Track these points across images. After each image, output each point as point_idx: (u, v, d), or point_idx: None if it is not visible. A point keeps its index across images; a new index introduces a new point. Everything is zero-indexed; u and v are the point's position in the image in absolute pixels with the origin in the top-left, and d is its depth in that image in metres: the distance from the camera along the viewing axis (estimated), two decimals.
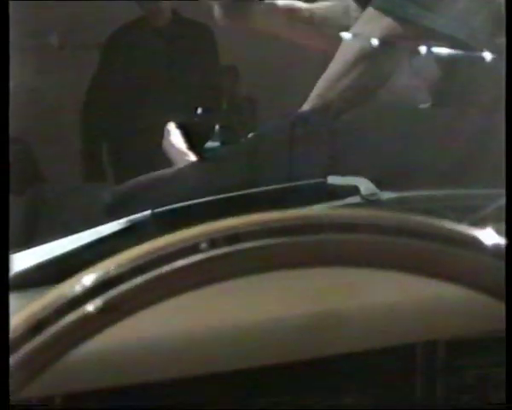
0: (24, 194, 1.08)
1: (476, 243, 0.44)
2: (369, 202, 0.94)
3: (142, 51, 2.63)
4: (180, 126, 1.47)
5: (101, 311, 0.41)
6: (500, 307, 0.46)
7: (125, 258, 0.42)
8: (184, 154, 1.45)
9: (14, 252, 0.92)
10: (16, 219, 1.00)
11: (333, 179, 0.95)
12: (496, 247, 0.45)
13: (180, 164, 1.40)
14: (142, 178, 1.10)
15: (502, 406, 0.47)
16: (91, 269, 0.42)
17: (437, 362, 0.72)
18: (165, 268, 0.41)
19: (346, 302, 0.71)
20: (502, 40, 0.95)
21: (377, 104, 1.21)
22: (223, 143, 1.82)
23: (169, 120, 1.49)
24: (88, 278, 0.42)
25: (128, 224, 0.92)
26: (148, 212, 0.93)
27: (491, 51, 1.02)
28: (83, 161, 2.76)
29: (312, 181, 0.96)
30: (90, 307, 0.41)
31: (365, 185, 0.95)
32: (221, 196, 0.95)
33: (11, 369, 0.41)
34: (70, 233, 0.94)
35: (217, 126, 1.47)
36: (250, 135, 1.12)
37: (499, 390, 0.75)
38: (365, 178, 0.97)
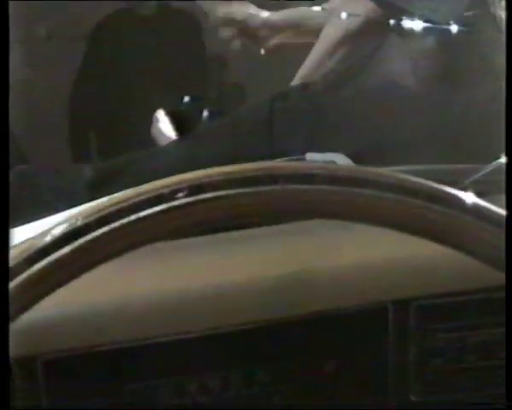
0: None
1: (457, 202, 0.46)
2: None
3: (128, 40, 2.64)
4: (168, 114, 1.49)
5: (69, 257, 0.43)
6: (476, 266, 0.48)
7: (92, 209, 0.43)
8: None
9: None
10: None
11: (311, 156, 0.97)
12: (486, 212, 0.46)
13: None
14: (126, 155, 1.12)
15: (502, 406, 0.48)
16: (61, 220, 0.44)
17: (409, 325, 0.74)
18: (131, 217, 0.43)
19: (317, 263, 0.73)
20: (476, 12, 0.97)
21: (359, 84, 1.23)
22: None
23: (157, 109, 1.50)
24: (58, 229, 0.44)
25: None
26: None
27: (469, 27, 1.04)
28: (71, 150, 2.77)
29: (291, 158, 0.98)
30: (59, 254, 0.43)
31: (343, 161, 0.97)
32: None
33: None
34: (53, 213, 0.95)
35: (205, 112, 1.48)
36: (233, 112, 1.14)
37: (470, 354, 0.77)
38: (343, 154, 0.98)
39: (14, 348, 0.68)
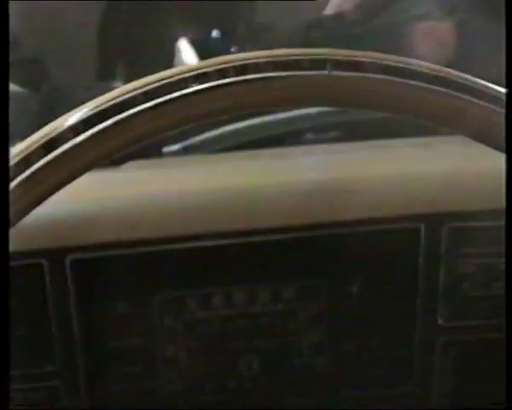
0: (39, 90, 1.09)
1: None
2: None
3: None
4: (193, 44, 1.47)
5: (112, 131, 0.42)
6: None
7: (139, 83, 0.43)
8: None
9: None
10: (32, 113, 1.02)
11: None
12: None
13: None
14: None
15: (502, 406, 0.47)
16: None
17: (440, 247, 0.74)
18: (174, 94, 0.42)
19: (353, 173, 0.72)
20: None
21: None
22: None
23: (181, 37, 1.49)
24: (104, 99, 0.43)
25: None
26: None
27: None
28: (98, 78, 2.76)
29: None
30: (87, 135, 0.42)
31: None
32: None
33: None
34: None
35: (232, 49, 1.46)
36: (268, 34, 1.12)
37: (499, 281, 0.77)
38: None
39: (45, 240, 0.69)
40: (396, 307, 0.76)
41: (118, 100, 0.43)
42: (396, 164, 0.75)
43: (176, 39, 1.52)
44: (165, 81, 0.43)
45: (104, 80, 2.95)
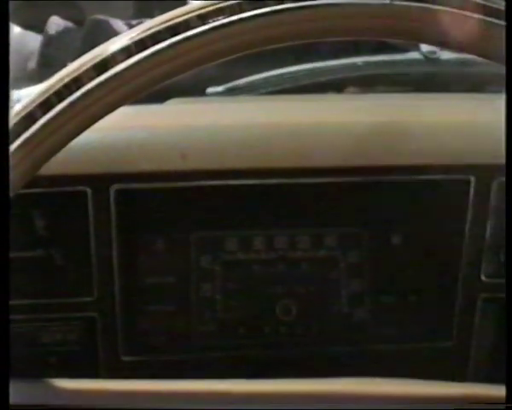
0: (82, 24, 1.08)
1: None
2: (428, 59, 0.92)
3: None
4: None
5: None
6: None
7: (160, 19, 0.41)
8: None
9: None
10: (75, 48, 1.00)
11: None
12: None
13: None
14: None
15: (502, 406, 0.46)
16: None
17: (490, 202, 0.71)
18: (231, 18, 0.41)
19: (408, 117, 0.70)
20: None
21: None
22: None
23: None
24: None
25: None
26: None
27: None
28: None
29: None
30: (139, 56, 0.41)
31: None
32: None
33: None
34: None
35: None
36: None
37: None
38: None
39: (91, 166, 0.67)
40: (439, 262, 0.74)
41: (171, 23, 0.42)
42: (450, 113, 0.73)
43: None
44: (218, 6, 0.41)
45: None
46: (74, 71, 0.41)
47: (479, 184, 0.71)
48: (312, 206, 0.72)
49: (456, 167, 0.69)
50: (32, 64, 1.00)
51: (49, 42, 1.03)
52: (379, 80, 0.93)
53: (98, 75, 0.41)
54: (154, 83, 0.42)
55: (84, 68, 0.41)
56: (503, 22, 0.42)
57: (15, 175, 0.40)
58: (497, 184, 0.71)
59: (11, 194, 0.40)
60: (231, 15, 0.41)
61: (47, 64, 1.01)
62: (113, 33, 1.04)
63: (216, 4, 0.41)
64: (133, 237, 0.70)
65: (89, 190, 0.67)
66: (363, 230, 0.74)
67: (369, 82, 0.92)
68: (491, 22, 0.43)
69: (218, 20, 0.41)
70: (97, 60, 0.41)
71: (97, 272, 0.69)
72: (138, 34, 0.41)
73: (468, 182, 0.71)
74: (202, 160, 0.68)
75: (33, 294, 0.68)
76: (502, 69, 0.43)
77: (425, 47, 0.93)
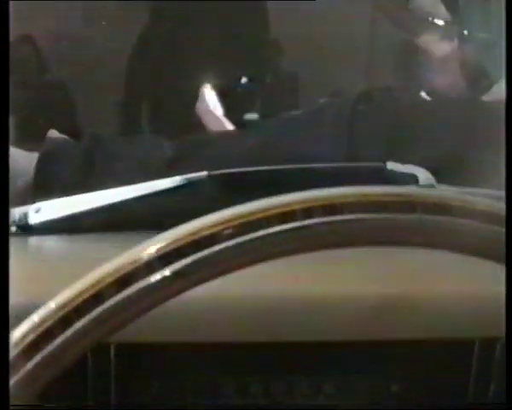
0: (79, 138, 1.08)
1: None
2: None
3: (189, 14, 2.61)
4: (219, 92, 1.46)
5: (174, 277, 0.40)
6: None
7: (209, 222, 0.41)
8: (220, 120, 1.44)
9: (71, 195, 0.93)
10: (73, 164, 1.00)
11: (392, 166, 0.94)
12: None
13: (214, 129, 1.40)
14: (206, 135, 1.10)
15: (502, 406, 0.46)
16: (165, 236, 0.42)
17: (494, 361, 0.71)
18: (259, 232, 0.41)
19: (419, 288, 0.70)
20: None
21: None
22: (262, 116, 1.81)
23: (207, 84, 1.48)
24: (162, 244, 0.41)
25: (184, 182, 0.92)
26: (204, 173, 0.92)
27: None
28: (122, 113, 2.76)
29: (372, 164, 0.95)
30: (163, 274, 0.40)
31: (423, 175, 0.94)
32: (280, 166, 0.94)
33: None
34: (125, 184, 0.94)
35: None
36: (312, 108, 1.11)
37: None
38: (421, 165, 0.95)
39: None
40: None
41: (196, 236, 0.41)
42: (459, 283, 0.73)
43: (201, 84, 1.50)
44: (246, 219, 0.41)
45: (128, 115, 2.97)
46: (94, 285, 0.40)
47: (483, 346, 0.70)
48: (311, 360, 0.72)
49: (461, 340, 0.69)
50: (22, 182, 1.00)
51: (46, 157, 1.03)
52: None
53: (119, 291, 0.41)
54: (175, 295, 0.42)
55: (105, 283, 0.40)
56: None
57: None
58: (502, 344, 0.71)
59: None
60: (260, 229, 0.41)
61: (43, 181, 1.01)
62: (112, 152, 1.04)
63: (243, 218, 0.42)
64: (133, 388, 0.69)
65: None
66: (364, 382, 0.73)
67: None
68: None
69: (246, 233, 0.41)
70: (119, 274, 0.41)
71: None
72: (163, 247, 0.41)
73: (473, 344, 0.70)
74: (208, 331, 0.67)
75: None
76: None
77: (422, 180, 0.94)
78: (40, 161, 1.01)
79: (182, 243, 0.41)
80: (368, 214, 0.42)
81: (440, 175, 0.94)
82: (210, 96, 1.45)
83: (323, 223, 0.41)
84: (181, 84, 2.70)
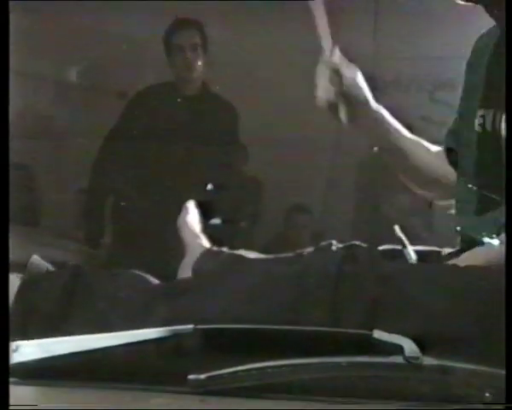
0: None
1: None
2: (411, 365, 0.92)
3: (166, 115, 2.63)
4: (198, 206, 1.46)
5: None
6: None
7: None
8: (197, 237, 1.43)
9: (47, 336, 0.91)
10: (53, 296, 0.98)
11: (378, 334, 0.94)
12: None
13: (191, 246, 1.39)
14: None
15: (502, 406, 0.44)
16: None
17: None
18: None
19: None
20: None
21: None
22: (223, 222, 1.80)
23: (186, 197, 1.48)
24: None
25: (169, 333, 0.91)
26: (190, 326, 0.91)
27: None
28: (84, 215, 2.75)
29: (358, 332, 0.94)
30: None
31: (409, 346, 0.94)
32: (265, 326, 0.93)
33: None
34: (105, 326, 0.92)
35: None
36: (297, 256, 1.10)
37: None
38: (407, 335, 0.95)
39: None
40: None
41: None
42: None
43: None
44: None
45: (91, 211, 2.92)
46: None
47: None
48: None
49: None
50: None
51: (27, 285, 1.00)
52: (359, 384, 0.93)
53: None
54: None
55: None
56: None
57: None
58: None
59: None
60: None
61: (22, 311, 0.98)
62: (95, 287, 1.02)
63: None
64: None
65: None
66: None
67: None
68: None
69: None
70: None
71: None
72: None
73: None
74: None
75: None
76: None
77: (408, 351, 0.93)
78: (20, 291, 0.99)
79: None
80: None
81: (428, 346, 0.94)
82: (191, 210, 1.44)
83: None
84: (147, 189, 2.70)
